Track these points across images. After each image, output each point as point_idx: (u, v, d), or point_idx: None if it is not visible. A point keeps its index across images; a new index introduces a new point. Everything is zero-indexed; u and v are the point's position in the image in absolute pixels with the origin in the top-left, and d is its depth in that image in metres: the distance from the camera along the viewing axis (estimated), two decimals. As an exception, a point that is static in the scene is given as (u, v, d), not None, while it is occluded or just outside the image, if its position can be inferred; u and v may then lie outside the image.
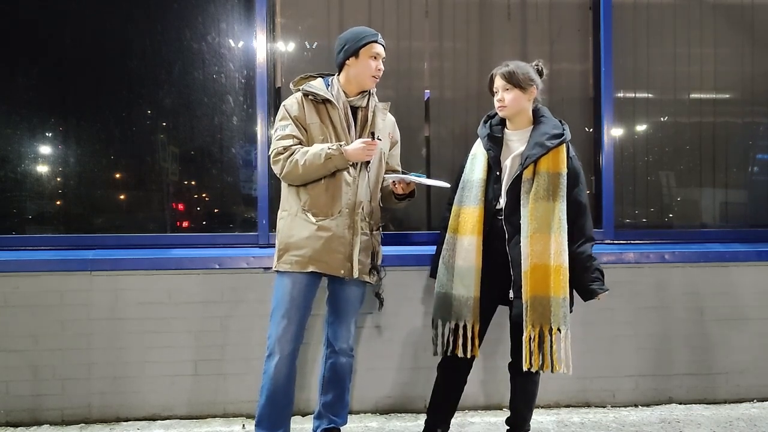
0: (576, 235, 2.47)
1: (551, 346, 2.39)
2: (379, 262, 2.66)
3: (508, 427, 2.64)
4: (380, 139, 2.57)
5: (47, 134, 3.27)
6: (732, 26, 3.61)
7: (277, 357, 2.47)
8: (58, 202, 3.28)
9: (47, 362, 2.97)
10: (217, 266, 3.05)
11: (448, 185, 2.63)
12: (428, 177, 2.81)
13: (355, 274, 2.51)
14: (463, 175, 2.61)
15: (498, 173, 2.51)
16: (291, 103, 2.57)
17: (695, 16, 3.57)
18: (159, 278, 3.02)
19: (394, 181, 2.55)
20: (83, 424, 2.98)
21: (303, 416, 3.04)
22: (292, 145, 2.48)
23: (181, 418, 3.03)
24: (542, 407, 3.19)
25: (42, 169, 3.26)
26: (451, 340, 2.50)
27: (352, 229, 2.51)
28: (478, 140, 2.61)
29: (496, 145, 2.54)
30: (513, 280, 2.46)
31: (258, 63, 3.21)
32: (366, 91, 2.60)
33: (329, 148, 2.42)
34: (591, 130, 3.49)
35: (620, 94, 3.52)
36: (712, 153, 3.60)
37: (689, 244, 3.41)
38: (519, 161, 2.47)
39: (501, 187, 2.50)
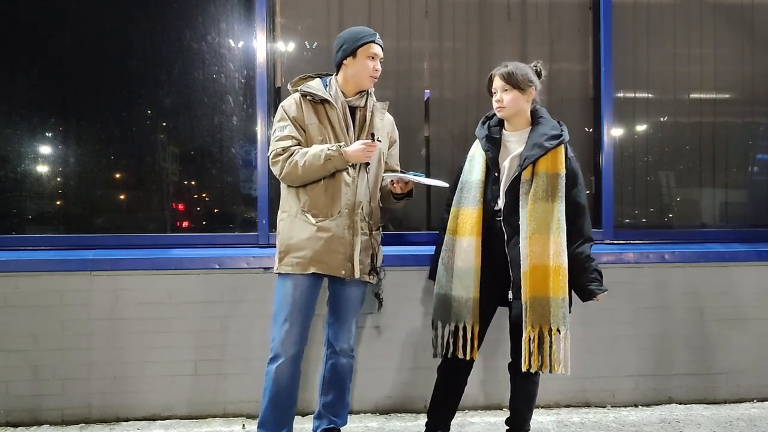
0: (575, 236, 2.47)
1: (551, 347, 2.39)
2: (379, 263, 2.65)
3: (508, 427, 2.64)
4: (380, 141, 2.56)
5: (47, 134, 3.27)
6: (732, 26, 3.60)
7: (280, 360, 2.46)
8: (58, 202, 3.28)
9: (47, 362, 2.98)
10: (217, 266, 3.05)
11: (446, 185, 2.62)
12: (427, 177, 2.81)
13: (356, 275, 2.50)
14: (461, 176, 2.61)
15: (496, 174, 2.51)
16: (289, 104, 2.56)
17: (695, 16, 3.57)
18: (159, 278, 3.03)
19: (392, 181, 2.54)
20: (83, 424, 2.99)
21: (303, 416, 3.04)
22: (291, 146, 2.48)
23: (181, 418, 3.04)
24: (542, 407, 3.19)
25: (42, 169, 3.26)
26: (451, 342, 2.51)
27: (352, 229, 2.50)
28: (477, 141, 2.61)
29: (494, 146, 2.54)
30: (512, 281, 2.46)
31: (258, 63, 3.21)
32: (364, 91, 2.60)
33: (329, 149, 2.42)
34: (591, 130, 3.49)
35: (620, 94, 3.51)
36: (712, 153, 3.60)
37: (689, 244, 3.41)
38: (517, 162, 2.47)
39: (499, 188, 2.50)
